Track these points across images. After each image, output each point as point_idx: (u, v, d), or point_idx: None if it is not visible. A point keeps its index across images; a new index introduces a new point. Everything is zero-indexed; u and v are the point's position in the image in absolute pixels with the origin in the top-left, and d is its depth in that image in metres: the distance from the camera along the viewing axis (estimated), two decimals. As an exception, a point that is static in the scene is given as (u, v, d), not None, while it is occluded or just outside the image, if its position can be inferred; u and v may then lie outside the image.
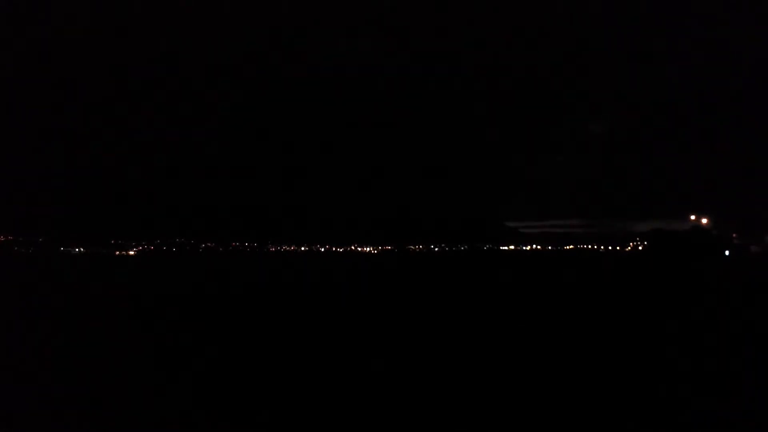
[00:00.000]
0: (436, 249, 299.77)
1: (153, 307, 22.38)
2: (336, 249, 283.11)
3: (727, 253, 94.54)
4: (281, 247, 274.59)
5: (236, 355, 12.42)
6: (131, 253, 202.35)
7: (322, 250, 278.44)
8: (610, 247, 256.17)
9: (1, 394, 9.22)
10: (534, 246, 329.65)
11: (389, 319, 18.33)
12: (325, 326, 16.73)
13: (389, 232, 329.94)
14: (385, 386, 9.60)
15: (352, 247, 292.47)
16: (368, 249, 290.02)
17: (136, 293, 29.67)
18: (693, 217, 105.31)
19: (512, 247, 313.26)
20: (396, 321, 17.81)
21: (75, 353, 12.58)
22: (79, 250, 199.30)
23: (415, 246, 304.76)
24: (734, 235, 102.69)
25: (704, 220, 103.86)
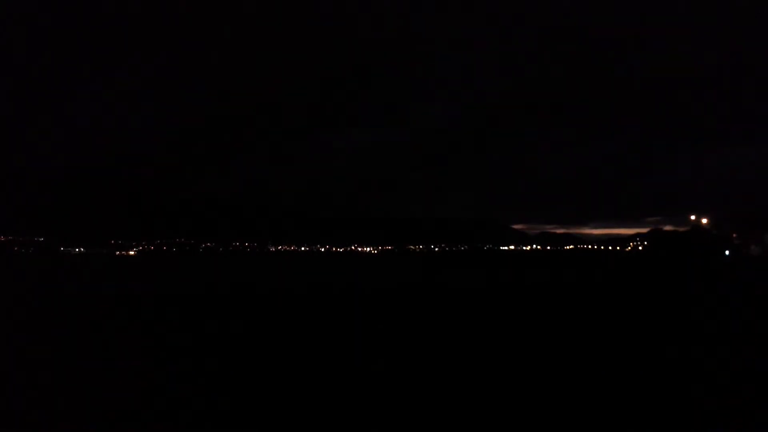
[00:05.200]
0: (437, 249, 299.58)
1: (153, 307, 22.37)
2: (336, 249, 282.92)
3: (727, 253, 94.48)
4: (281, 247, 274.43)
5: (236, 355, 12.41)
6: (131, 253, 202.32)
7: (322, 250, 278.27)
8: (610, 247, 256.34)
9: (1, 395, 9.21)
10: (534, 246, 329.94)
11: (389, 319, 18.33)
12: (326, 326, 16.73)
13: (389, 233, 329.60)
14: (385, 387, 9.60)
15: (353, 247, 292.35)
16: (368, 249, 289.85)
17: (136, 293, 29.65)
18: (693, 217, 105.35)
19: (512, 247, 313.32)
20: (396, 321, 17.80)
21: (75, 353, 12.57)
22: (79, 250, 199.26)
23: (415, 246, 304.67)
24: (734, 235, 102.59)
25: (704, 220, 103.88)
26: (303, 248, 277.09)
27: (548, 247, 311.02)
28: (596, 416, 8.02)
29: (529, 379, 10.03)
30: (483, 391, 9.27)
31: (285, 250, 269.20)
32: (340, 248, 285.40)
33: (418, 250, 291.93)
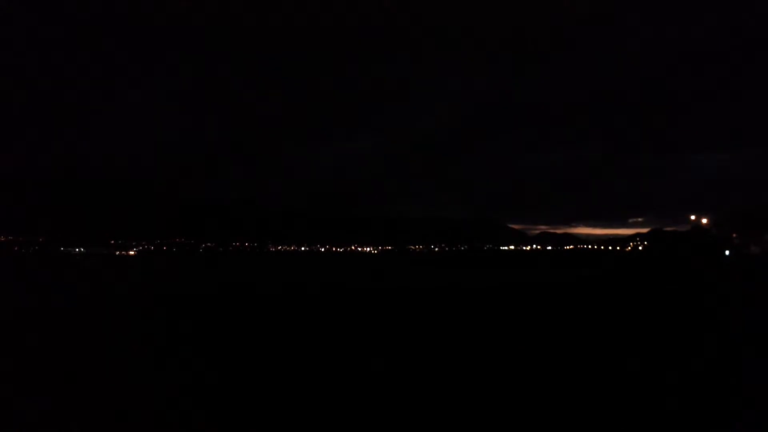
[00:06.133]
0: (436, 249, 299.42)
1: (153, 307, 22.37)
2: (336, 249, 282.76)
3: (727, 253, 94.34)
4: (281, 247, 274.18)
5: (236, 355, 12.42)
6: (131, 253, 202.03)
7: (322, 250, 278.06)
8: (610, 247, 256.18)
9: (1, 395, 9.21)
10: (534, 246, 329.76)
11: (389, 320, 18.34)
12: (325, 326, 16.73)
13: (389, 233, 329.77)
14: (385, 386, 9.60)
15: (353, 247, 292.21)
16: (368, 249, 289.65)
17: (136, 293, 29.65)
18: (693, 217, 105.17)
19: (512, 247, 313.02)
20: (396, 322, 17.82)
21: (74, 354, 12.57)
22: (79, 250, 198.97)
23: (415, 246, 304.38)
24: (734, 235, 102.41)
25: (704, 220, 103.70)
26: (303, 248, 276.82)
27: (548, 248, 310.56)
28: (594, 418, 8.03)
29: (529, 379, 10.04)
30: (482, 390, 9.27)
31: (285, 250, 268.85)
32: (340, 248, 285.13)
33: (418, 250, 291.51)
